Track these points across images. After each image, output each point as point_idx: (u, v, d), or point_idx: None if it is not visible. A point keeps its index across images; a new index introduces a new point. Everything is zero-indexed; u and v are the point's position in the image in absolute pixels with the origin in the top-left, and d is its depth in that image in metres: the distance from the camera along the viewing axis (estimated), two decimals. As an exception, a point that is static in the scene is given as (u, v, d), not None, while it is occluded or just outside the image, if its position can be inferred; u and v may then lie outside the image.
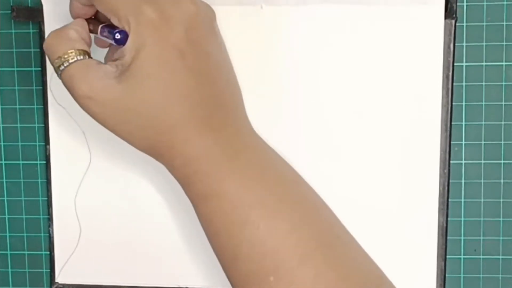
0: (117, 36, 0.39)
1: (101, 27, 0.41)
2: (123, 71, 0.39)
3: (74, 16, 0.42)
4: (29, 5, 0.48)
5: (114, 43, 0.39)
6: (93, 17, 0.43)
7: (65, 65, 0.40)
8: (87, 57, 0.40)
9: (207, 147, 0.40)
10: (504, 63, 0.46)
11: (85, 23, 0.42)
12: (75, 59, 0.40)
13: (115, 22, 0.39)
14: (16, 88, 0.50)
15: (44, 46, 0.41)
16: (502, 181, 0.47)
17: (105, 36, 0.41)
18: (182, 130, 0.39)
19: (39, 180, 0.50)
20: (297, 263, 0.39)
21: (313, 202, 0.42)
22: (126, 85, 0.38)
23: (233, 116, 0.42)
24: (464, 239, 0.48)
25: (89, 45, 0.42)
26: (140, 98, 0.39)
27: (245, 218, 0.39)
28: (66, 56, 0.40)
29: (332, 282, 0.39)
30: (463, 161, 0.47)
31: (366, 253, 0.42)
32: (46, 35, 0.48)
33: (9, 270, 0.51)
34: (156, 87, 0.39)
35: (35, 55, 0.49)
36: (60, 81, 0.48)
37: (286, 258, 0.39)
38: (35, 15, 0.48)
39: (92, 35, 0.42)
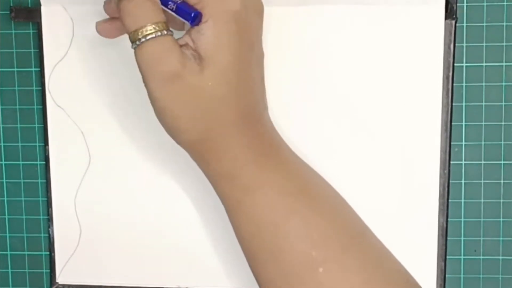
0: (192, 15, 0.38)
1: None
2: (202, 58, 0.38)
3: None
4: (29, 6, 0.48)
5: (184, 20, 0.38)
6: None
7: (142, 40, 0.37)
8: (170, 32, 0.38)
9: (255, 138, 0.40)
10: (504, 64, 0.46)
11: None
12: (155, 35, 0.37)
13: (192, 2, 0.38)
14: (16, 88, 0.50)
15: (121, 14, 0.38)
16: (502, 181, 0.47)
17: (170, 9, 0.39)
18: (240, 123, 0.39)
19: (39, 181, 0.50)
20: (340, 251, 0.39)
21: (340, 196, 0.43)
22: (207, 73, 0.38)
23: (268, 115, 0.42)
24: (464, 240, 0.48)
25: None
26: (218, 89, 0.38)
27: (293, 207, 0.39)
28: (146, 30, 0.37)
29: (371, 269, 0.39)
30: (463, 162, 0.47)
31: (386, 248, 0.43)
32: (44, 36, 0.48)
33: (9, 270, 0.51)
34: (234, 79, 0.38)
35: (34, 55, 0.49)
36: (58, 81, 0.49)
37: (331, 247, 0.39)
38: (34, 15, 0.48)
39: None
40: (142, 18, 0.38)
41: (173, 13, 0.39)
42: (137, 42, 0.38)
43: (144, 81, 0.38)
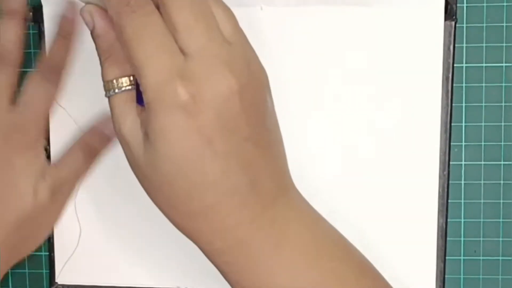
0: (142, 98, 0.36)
1: None
2: (147, 139, 0.36)
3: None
4: (29, 5, 0.48)
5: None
6: None
7: (113, 92, 0.38)
8: (134, 88, 0.38)
9: (252, 232, 0.37)
10: (504, 64, 0.46)
11: None
12: (123, 89, 0.38)
13: (141, 85, 0.36)
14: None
15: (100, 60, 0.38)
16: (502, 182, 0.47)
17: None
18: (218, 215, 0.37)
19: (39, 181, 0.50)
20: None
21: (362, 257, 0.41)
22: (149, 156, 0.36)
23: (284, 184, 0.39)
24: (464, 240, 0.48)
25: None
26: (165, 178, 0.36)
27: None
28: (117, 84, 0.38)
29: None
30: (463, 162, 0.47)
31: None
32: (46, 36, 0.48)
33: (9, 270, 0.51)
34: (180, 173, 0.36)
35: (35, 55, 0.49)
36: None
37: None
38: (36, 16, 0.48)
39: None
40: (114, 70, 0.38)
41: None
42: (110, 93, 0.38)
43: None
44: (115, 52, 0.38)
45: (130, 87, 0.38)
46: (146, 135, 0.36)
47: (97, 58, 0.40)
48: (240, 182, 0.36)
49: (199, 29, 0.35)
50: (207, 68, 0.35)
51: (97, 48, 0.39)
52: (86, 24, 0.39)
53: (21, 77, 0.49)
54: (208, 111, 0.35)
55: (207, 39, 0.35)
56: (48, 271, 0.51)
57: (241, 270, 0.38)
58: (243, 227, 0.37)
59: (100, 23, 0.38)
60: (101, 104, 0.48)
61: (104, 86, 0.38)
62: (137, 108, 0.38)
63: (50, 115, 0.49)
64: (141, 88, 0.36)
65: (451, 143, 0.47)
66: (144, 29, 0.35)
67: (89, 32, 0.40)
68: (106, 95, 0.39)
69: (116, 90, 0.38)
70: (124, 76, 0.38)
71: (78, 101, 0.48)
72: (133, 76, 0.38)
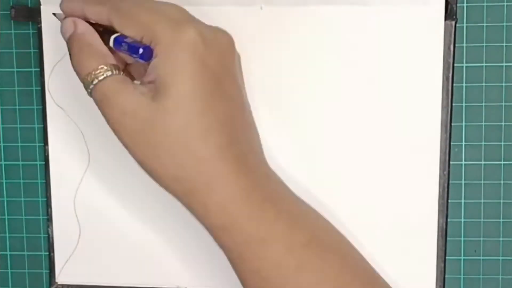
0: (141, 51, 0.37)
1: (116, 38, 0.39)
2: (158, 90, 0.37)
3: (68, 14, 0.41)
4: (29, 5, 0.48)
5: (136, 57, 0.38)
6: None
7: (95, 82, 0.38)
8: (121, 72, 0.39)
9: (248, 186, 0.37)
10: (504, 64, 0.46)
11: (94, 30, 0.40)
12: (105, 75, 0.38)
13: (146, 41, 0.37)
14: (16, 88, 0.50)
15: (72, 63, 0.39)
16: (502, 182, 0.47)
17: (121, 49, 0.39)
18: (224, 163, 0.37)
19: (39, 181, 0.50)
20: None
21: (347, 241, 0.42)
22: (162, 105, 0.37)
23: (261, 158, 0.40)
24: (464, 240, 0.48)
25: None
26: (175, 119, 0.37)
27: (302, 259, 0.37)
28: (97, 72, 0.38)
29: None
30: (463, 162, 0.47)
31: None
32: (44, 36, 0.48)
33: (9, 270, 0.51)
34: (194, 111, 0.37)
35: (34, 55, 0.49)
36: (58, 81, 0.49)
37: None
38: (35, 15, 0.48)
39: None
40: (90, 62, 0.38)
41: (126, 54, 0.39)
42: (90, 87, 0.38)
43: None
44: (89, 46, 0.39)
45: (111, 73, 0.38)
46: (156, 93, 0.37)
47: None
48: (243, 128, 0.39)
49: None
50: (203, 23, 0.39)
51: (73, 47, 0.40)
52: (66, 29, 0.41)
53: (21, 77, 0.50)
54: (215, 51, 0.38)
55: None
56: (48, 271, 0.51)
57: (244, 222, 0.37)
58: (246, 177, 0.38)
59: (81, 22, 0.40)
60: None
61: (84, 80, 0.39)
62: (135, 83, 0.39)
63: (49, 115, 0.49)
64: (152, 44, 0.37)
65: (451, 143, 0.46)
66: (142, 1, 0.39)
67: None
68: (88, 89, 0.39)
69: (102, 76, 0.38)
70: (101, 65, 0.38)
71: (77, 101, 0.48)
72: (110, 64, 0.39)
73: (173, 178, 0.38)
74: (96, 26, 0.41)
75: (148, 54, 0.38)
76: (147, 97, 0.37)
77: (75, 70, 0.39)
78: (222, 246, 0.39)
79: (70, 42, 0.40)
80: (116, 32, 0.39)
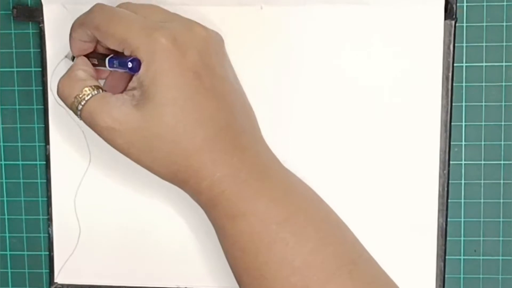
0: (130, 64, 0.39)
1: (109, 59, 0.42)
2: (141, 98, 0.39)
3: (76, 53, 0.43)
4: (29, 5, 0.48)
5: (128, 72, 0.40)
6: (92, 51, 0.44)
7: (82, 103, 0.41)
8: (101, 91, 0.41)
9: (234, 167, 0.40)
10: (504, 64, 0.46)
11: (87, 60, 0.43)
12: (90, 95, 0.40)
13: (127, 53, 0.40)
14: (16, 88, 0.50)
15: (58, 93, 0.42)
16: (502, 181, 0.47)
17: (115, 67, 0.41)
18: (209, 152, 0.40)
19: (39, 181, 0.50)
20: (325, 280, 0.39)
21: (335, 221, 0.43)
22: (145, 111, 0.39)
23: (253, 138, 0.42)
24: (464, 240, 0.48)
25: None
26: (162, 124, 0.39)
27: (275, 235, 0.39)
28: (81, 95, 0.41)
29: None
30: (463, 162, 0.47)
31: (384, 270, 0.42)
32: (46, 35, 0.48)
33: (9, 270, 0.51)
34: (177, 111, 0.39)
35: (35, 55, 0.49)
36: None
37: (314, 275, 0.39)
38: (36, 14, 0.48)
39: None
40: (73, 89, 0.41)
41: (119, 70, 0.41)
42: (78, 112, 0.41)
43: None
44: (71, 75, 0.42)
45: (96, 92, 0.41)
46: (140, 101, 0.39)
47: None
48: (230, 115, 0.41)
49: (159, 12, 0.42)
50: (179, 21, 0.41)
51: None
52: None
53: (21, 77, 0.49)
54: (191, 50, 0.40)
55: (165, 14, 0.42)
56: (47, 270, 0.51)
57: (228, 199, 0.40)
58: (232, 160, 0.40)
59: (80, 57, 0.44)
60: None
61: (71, 106, 0.41)
62: (117, 95, 0.40)
63: (51, 115, 0.49)
64: (133, 55, 0.39)
65: (451, 143, 0.47)
66: (114, 15, 0.41)
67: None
68: (77, 113, 0.41)
69: (87, 97, 0.41)
70: (83, 88, 0.41)
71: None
72: (90, 86, 0.41)
73: (168, 172, 0.41)
74: (97, 53, 0.44)
75: (137, 66, 0.39)
76: (131, 106, 0.40)
77: (62, 99, 0.42)
78: (210, 220, 0.42)
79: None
80: (108, 55, 0.42)
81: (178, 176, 0.41)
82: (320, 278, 0.39)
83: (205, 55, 0.41)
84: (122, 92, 0.41)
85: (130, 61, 0.39)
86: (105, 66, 0.42)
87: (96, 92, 0.41)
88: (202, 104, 0.40)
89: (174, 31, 0.40)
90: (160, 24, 0.40)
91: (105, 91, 0.41)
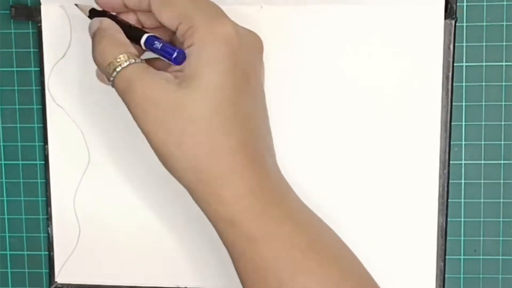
0: (175, 54, 0.37)
1: (149, 37, 0.39)
2: (185, 79, 0.37)
3: (104, 5, 0.41)
4: (28, 5, 0.48)
5: (167, 60, 0.38)
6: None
7: (118, 70, 0.38)
8: (144, 61, 0.39)
9: (261, 183, 0.37)
10: (504, 63, 0.46)
11: (119, 27, 0.40)
12: (133, 60, 0.38)
13: (183, 28, 0.38)
14: (16, 88, 0.50)
15: (93, 54, 0.39)
16: (502, 181, 0.47)
17: (155, 49, 0.39)
18: (241, 158, 0.37)
19: (39, 180, 0.50)
20: None
21: (350, 252, 0.41)
22: (189, 90, 0.36)
23: (274, 160, 0.41)
24: (464, 240, 0.48)
25: None
26: (203, 107, 0.36)
27: (299, 263, 0.37)
28: (118, 61, 0.38)
29: None
30: (463, 162, 0.47)
31: None
32: (44, 35, 0.48)
33: (9, 270, 0.51)
34: (219, 101, 0.37)
35: (34, 55, 0.49)
36: (58, 80, 0.49)
37: None
38: (35, 14, 0.48)
39: None
40: (111, 52, 0.38)
41: (158, 53, 0.39)
42: (113, 76, 0.38)
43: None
44: (110, 37, 0.39)
45: (133, 60, 0.38)
46: (183, 81, 0.37)
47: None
48: (262, 126, 0.39)
49: None
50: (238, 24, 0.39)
51: (95, 39, 0.40)
52: (92, 27, 0.41)
53: (21, 77, 0.49)
54: (246, 48, 0.38)
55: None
56: (47, 270, 0.51)
57: (250, 218, 0.37)
58: (260, 174, 0.38)
59: (106, 20, 0.40)
60: (101, 104, 0.48)
61: (106, 70, 0.38)
62: (159, 71, 0.38)
63: (49, 115, 0.49)
64: (187, 34, 0.37)
65: (451, 142, 0.46)
66: None
67: (88, 33, 0.40)
68: (111, 78, 0.38)
69: (125, 63, 0.38)
70: (122, 53, 0.38)
71: (77, 100, 0.48)
72: (131, 52, 0.39)
73: (189, 167, 0.37)
74: (126, 25, 0.41)
75: (180, 58, 0.37)
76: (173, 84, 0.37)
77: (95, 61, 0.39)
78: (225, 241, 0.39)
79: (93, 36, 0.40)
80: (147, 33, 0.39)
81: (198, 175, 0.37)
82: None
83: (255, 57, 0.40)
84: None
85: (178, 51, 0.37)
86: (137, 43, 0.40)
87: (138, 60, 0.38)
88: (244, 103, 0.38)
89: (236, 25, 0.38)
90: (225, 14, 0.39)
91: (140, 60, 0.39)
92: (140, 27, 0.41)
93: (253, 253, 0.37)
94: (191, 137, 0.37)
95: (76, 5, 0.43)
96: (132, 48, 0.39)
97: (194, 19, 0.37)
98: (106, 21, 0.40)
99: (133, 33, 0.40)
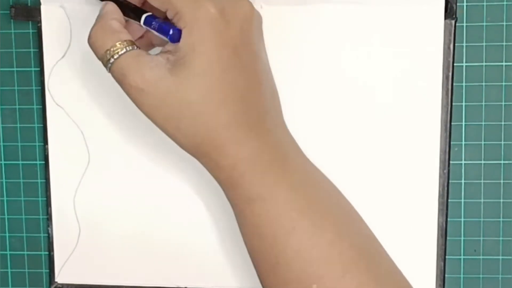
0: (171, 32, 0.39)
1: (147, 18, 0.40)
2: (176, 63, 0.38)
3: None
4: (28, 5, 0.48)
5: (165, 38, 0.39)
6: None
7: (114, 57, 0.39)
8: (135, 47, 0.40)
9: (258, 149, 0.39)
10: (504, 63, 0.46)
11: (119, 9, 0.41)
12: (124, 50, 0.39)
13: (170, 14, 0.39)
14: (16, 88, 0.50)
15: (89, 42, 0.40)
16: (502, 181, 0.47)
17: (152, 29, 0.40)
18: (235, 130, 0.39)
19: (39, 180, 0.50)
20: (341, 273, 0.39)
21: (353, 214, 0.42)
22: (179, 77, 0.38)
23: (277, 121, 0.42)
24: (464, 240, 0.48)
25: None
26: (193, 92, 0.38)
27: (294, 223, 0.39)
28: (114, 49, 0.39)
29: None
30: (463, 162, 0.47)
31: (397, 267, 0.42)
32: (44, 35, 0.48)
33: (9, 270, 0.51)
34: (210, 83, 0.38)
35: (34, 55, 0.49)
36: (58, 80, 0.49)
37: (331, 267, 0.39)
38: (34, 14, 0.48)
39: None
40: (106, 40, 0.40)
41: (156, 33, 0.40)
42: (109, 64, 0.40)
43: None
44: (105, 25, 0.40)
45: (130, 47, 0.40)
46: (174, 65, 0.38)
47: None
48: (259, 95, 0.40)
49: None
50: None
51: (93, 27, 0.41)
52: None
53: (21, 77, 0.49)
54: (235, 23, 0.39)
55: None
56: (47, 270, 0.51)
57: (249, 181, 0.39)
58: (257, 141, 0.40)
59: (109, 4, 0.42)
60: (101, 104, 0.48)
61: (102, 58, 0.40)
62: (151, 55, 0.40)
63: (49, 115, 0.49)
64: (174, 20, 0.39)
65: (451, 142, 0.46)
66: None
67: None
68: (107, 66, 0.40)
69: (121, 51, 0.39)
70: (117, 41, 0.40)
71: (77, 100, 0.48)
72: (125, 40, 0.40)
73: (189, 144, 0.40)
74: (128, 6, 0.42)
75: (177, 36, 0.39)
76: (165, 69, 0.39)
77: (92, 48, 0.40)
78: (229, 200, 0.41)
79: (95, 22, 0.42)
80: (147, 12, 0.41)
81: (200, 148, 0.40)
82: (336, 270, 0.39)
83: (247, 32, 0.40)
84: (149, 49, 0.40)
85: (172, 29, 0.39)
86: (138, 21, 0.41)
87: (130, 48, 0.40)
88: (235, 80, 0.39)
89: (223, 2, 0.39)
90: None
91: (138, 47, 0.40)
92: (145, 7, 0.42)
93: (251, 213, 0.40)
94: (187, 120, 0.39)
95: None
96: (126, 35, 0.40)
97: (177, 5, 0.39)
98: (108, 5, 0.42)
99: (133, 13, 0.41)
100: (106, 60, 0.40)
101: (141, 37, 0.43)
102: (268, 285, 0.41)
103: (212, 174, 0.41)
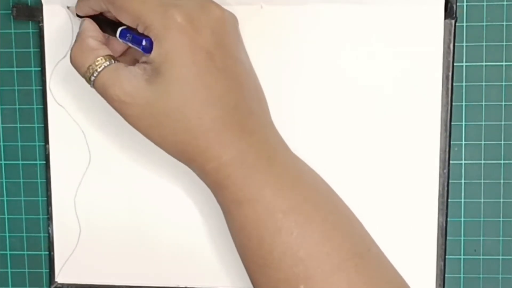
0: (144, 42, 0.39)
1: (122, 31, 0.41)
2: (152, 74, 0.39)
3: (82, 14, 0.43)
4: (29, 4, 0.48)
5: (139, 49, 0.40)
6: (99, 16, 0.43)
7: (95, 75, 0.40)
8: (113, 61, 0.41)
9: (242, 151, 0.40)
10: (504, 63, 0.46)
11: (96, 25, 0.42)
12: (103, 66, 0.40)
13: (141, 29, 0.40)
14: (16, 88, 0.50)
15: (71, 62, 0.42)
16: (502, 181, 0.47)
17: (127, 41, 0.41)
18: (217, 133, 0.39)
19: (39, 180, 0.50)
20: (329, 273, 0.39)
21: (344, 212, 0.42)
22: (156, 87, 0.39)
23: (262, 122, 0.42)
24: (464, 239, 0.48)
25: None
26: (170, 101, 0.39)
27: (280, 224, 0.39)
28: (94, 66, 0.41)
29: None
30: (463, 161, 0.47)
31: (393, 266, 0.42)
32: (46, 35, 0.48)
33: (9, 270, 0.51)
34: (186, 89, 0.39)
35: (35, 55, 0.49)
36: (59, 80, 0.49)
37: (318, 267, 0.39)
38: (36, 14, 0.48)
39: None
40: (86, 58, 0.41)
41: (131, 44, 0.41)
42: (91, 82, 0.41)
43: None
44: (84, 43, 0.42)
45: (108, 62, 0.41)
46: (151, 76, 0.39)
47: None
48: (240, 96, 0.40)
49: None
50: (196, 2, 0.40)
51: (73, 45, 0.42)
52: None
53: (21, 77, 0.49)
54: (205, 29, 0.39)
55: None
56: (47, 270, 0.51)
57: (234, 184, 0.40)
58: (240, 143, 0.40)
59: (87, 20, 0.43)
60: (102, 104, 0.48)
61: (84, 75, 0.41)
62: (129, 67, 0.40)
63: (50, 114, 0.49)
64: (145, 33, 0.40)
65: (451, 142, 0.47)
66: None
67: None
68: (90, 80, 0.41)
69: (100, 68, 0.40)
70: (97, 57, 0.41)
71: (78, 100, 0.48)
72: (103, 55, 0.41)
73: (175, 151, 0.41)
74: (105, 21, 0.43)
75: (149, 47, 0.39)
76: (142, 80, 0.39)
77: (74, 67, 0.42)
78: (217, 201, 0.42)
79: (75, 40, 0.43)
80: (122, 25, 0.41)
81: (184, 155, 0.40)
82: (324, 270, 0.39)
83: (219, 35, 0.40)
84: (133, 64, 0.41)
85: (144, 39, 0.39)
86: (114, 35, 0.42)
87: (108, 62, 0.41)
88: (212, 84, 0.39)
89: (190, 10, 0.39)
90: (176, 2, 0.40)
91: (118, 60, 0.41)
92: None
93: (238, 215, 0.40)
94: (169, 128, 0.39)
95: (68, 7, 0.46)
96: (103, 51, 0.41)
97: (145, 19, 0.39)
98: (85, 22, 0.43)
99: (110, 28, 0.42)
100: (88, 78, 0.41)
101: (124, 53, 0.44)
102: (258, 285, 0.41)
103: (200, 178, 0.42)
